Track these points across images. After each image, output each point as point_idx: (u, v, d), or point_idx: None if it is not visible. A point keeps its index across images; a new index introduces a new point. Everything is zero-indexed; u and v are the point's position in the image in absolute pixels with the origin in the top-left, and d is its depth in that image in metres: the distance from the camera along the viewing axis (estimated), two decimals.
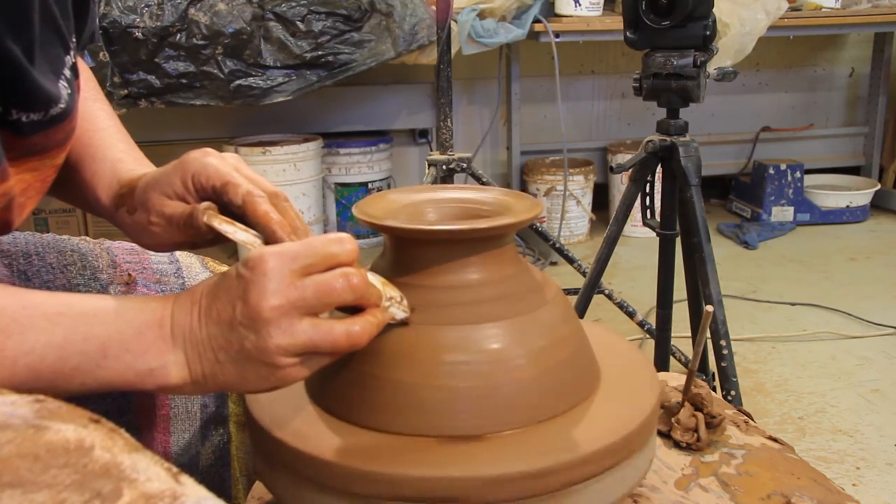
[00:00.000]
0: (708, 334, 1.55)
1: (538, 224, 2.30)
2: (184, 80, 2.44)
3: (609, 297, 2.10)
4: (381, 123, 3.13)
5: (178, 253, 0.88)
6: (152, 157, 0.76)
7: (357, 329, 0.54)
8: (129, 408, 0.78)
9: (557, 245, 2.19)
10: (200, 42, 2.40)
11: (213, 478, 0.85)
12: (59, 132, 0.63)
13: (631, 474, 0.61)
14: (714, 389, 1.62)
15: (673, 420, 0.79)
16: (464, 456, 0.56)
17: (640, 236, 3.14)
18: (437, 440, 0.58)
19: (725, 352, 1.53)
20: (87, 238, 0.86)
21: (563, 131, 2.85)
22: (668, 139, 1.57)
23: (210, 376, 0.55)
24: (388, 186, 3.14)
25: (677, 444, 0.78)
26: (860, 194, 3.33)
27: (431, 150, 2.83)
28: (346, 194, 3.08)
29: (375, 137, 3.10)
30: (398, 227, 0.62)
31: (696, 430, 0.78)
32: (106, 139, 0.75)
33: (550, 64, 2.75)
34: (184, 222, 0.65)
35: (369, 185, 3.09)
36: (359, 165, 3.05)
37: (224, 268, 0.85)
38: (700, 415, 0.79)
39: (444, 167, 2.14)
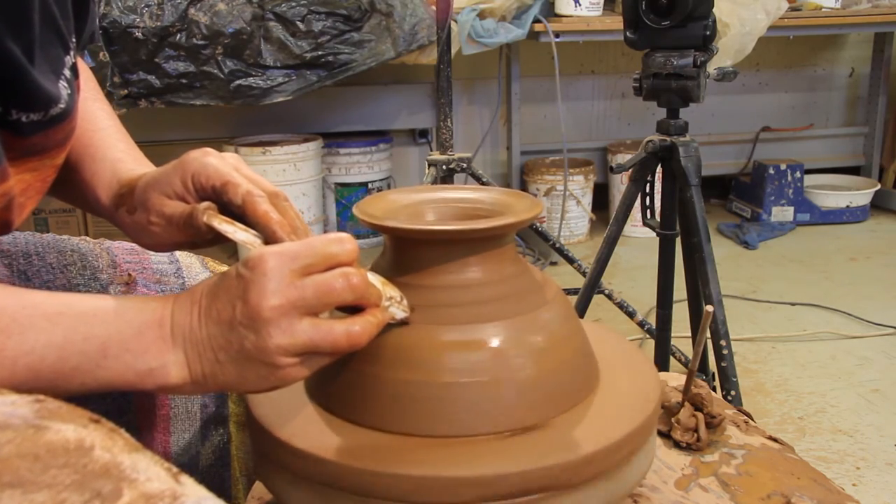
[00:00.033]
0: (708, 334, 1.55)
1: (538, 224, 2.30)
2: (184, 80, 2.44)
3: (609, 297, 2.10)
4: (381, 123, 3.13)
5: (178, 253, 0.88)
6: (152, 157, 0.76)
7: (357, 329, 0.54)
8: (129, 408, 0.78)
9: (557, 245, 2.19)
10: (200, 42, 2.40)
11: (213, 478, 0.85)
12: (58, 132, 0.63)
13: (631, 474, 0.61)
14: (714, 389, 1.62)
15: (673, 420, 0.79)
16: (464, 456, 0.56)
17: (640, 236, 3.14)
18: (437, 440, 0.58)
19: (725, 352, 1.53)
20: (87, 238, 0.86)
21: (563, 131, 2.85)
22: (668, 139, 1.57)
23: (210, 376, 0.55)
24: (388, 186, 3.14)
25: (677, 444, 0.78)
26: (860, 194, 3.33)
27: (431, 150, 2.83)
28: (346, 194, 3.08)
29: (375, 137, 3.10)
30: (398, 227, 0.62)
31: (696, 430, 0.78)
32: (106, 139, 0.75)
33: (550, 64, 2.75)
34: (184, 222, 0.65)
35: (369, 185, 3.09)
36: (359, 165, 3.05)
37: (224, 268, 0.85)
38: (700, 415, 0.79)
39: (444, 167, 2.14)
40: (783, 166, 3.27)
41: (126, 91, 2.41)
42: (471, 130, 3.36)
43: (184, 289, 0.84)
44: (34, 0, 0.56)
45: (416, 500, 0.54)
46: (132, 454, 0.41)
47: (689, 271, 1.62)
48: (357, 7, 2.50)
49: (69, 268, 0.80)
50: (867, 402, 1.87)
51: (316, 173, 2.87)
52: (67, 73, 0.63)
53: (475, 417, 0.58)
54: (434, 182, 2.12)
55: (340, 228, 3.11)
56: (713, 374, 1.65)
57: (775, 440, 0.80)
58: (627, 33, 1.55)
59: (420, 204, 0.69)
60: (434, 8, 2.16)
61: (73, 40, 0.65)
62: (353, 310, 0.56)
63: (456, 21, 2.60)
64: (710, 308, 0.76)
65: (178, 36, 2.38)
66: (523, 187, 3.22)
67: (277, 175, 2.70)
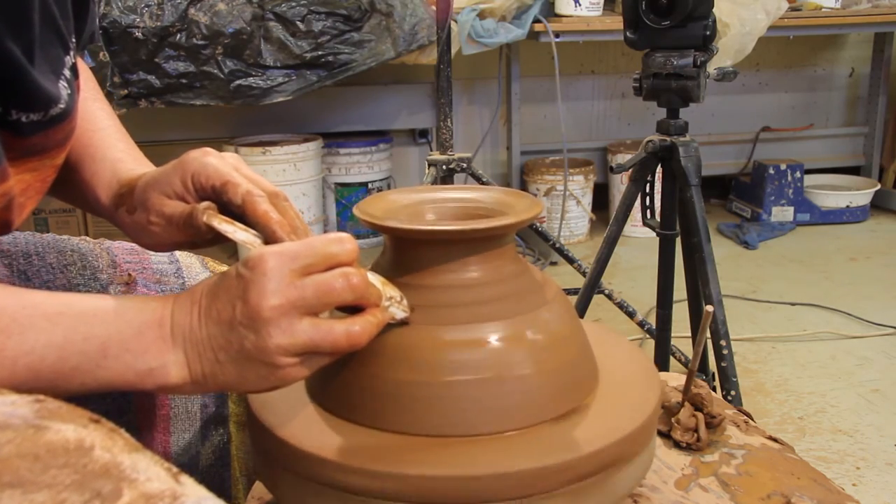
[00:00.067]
0: (708, 334, 1.55)
1: (538, 224, 2.30)
2: (184, 80, 2.44)
3: (609, 297, 2.10)
4: (381, 123, 3.13)
5: (178, 253, 0.88)
6: (152, 157, 0.76)
7: (357, 329, 0.54)
8: (129, 408, 0.78)
9: (557, 245, 2.19)
10: (200, 42, 2.40)
11: (213, 478, 0.85)
12: (58, 132, 0.63)
13: (631, 474, 0.61)
14: (714, 389, 1.62)
15: (673, 420, 0.79)
16: (464, 456, 0.56)
17: (640, 236, 3.14)
18: (437, 440, 0.58)
19: (725, 352, 1.53)
20: (87, 238, 0.86)
21: (563, 131, 2.85)
22: (668, 139, 1.57)
23: (210, 376, 0.55)
24: (388, 186, 3.14)
25: (677, 444, 0.78)
26: (860, 194, 3.33)
27: (431, 150, 2.83)
28: (346, 194, 3.08)
29: (375, 137, 3.10)
30: (398, 227, 0.62)
31: (696, 430, 0.78)
32: (105, 139, 0.75)
33: (550, 64, 2.75)
34: (183, 222, 0.65)
35: (369, 185, 3.09)
36: (359, 165, 3.05)
37: (224, 268, 0.85)
38: (700, 415, 0.79)
39: (444, 167, 2.14)
40: (783, 166, 3.27)
41: (126, 91, 2.41)
42: (471, 130, 3.36)
43: (184, 289, 0.84)
44: (34, 0, 0.56)
45: (417, 499, 0.54)
46: (132, 454, 0.41)
47: (689, 271, 1.62)
48: (357, 7, 2.50)
49: (69, 268, 0.80)
50: (867, 402, 1.87)
51: (316, 173, 2.87)
52: (67, 73, 0.63)
53: (475, 417, 0.58)
54: (434, 182, 2.12)
55: (340, 228, 3.11)
56: (713, 374, 1.65)
57: (775, 440, 0.80)
58: (627, 33, 1.55)
59: (420, 204, 0.69)
60: (434, 8, 2.16)
61: (73, 40, 0.65)
62: (353, 310, 0.56)
63: (456, 21, 2.60)
64: (710, 308, 0.76)
65: (178, 36, 2.38)
66: (523, 187, 3.22)
67: (277, 175, 2.70)
